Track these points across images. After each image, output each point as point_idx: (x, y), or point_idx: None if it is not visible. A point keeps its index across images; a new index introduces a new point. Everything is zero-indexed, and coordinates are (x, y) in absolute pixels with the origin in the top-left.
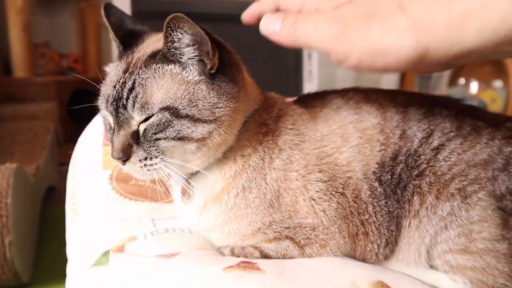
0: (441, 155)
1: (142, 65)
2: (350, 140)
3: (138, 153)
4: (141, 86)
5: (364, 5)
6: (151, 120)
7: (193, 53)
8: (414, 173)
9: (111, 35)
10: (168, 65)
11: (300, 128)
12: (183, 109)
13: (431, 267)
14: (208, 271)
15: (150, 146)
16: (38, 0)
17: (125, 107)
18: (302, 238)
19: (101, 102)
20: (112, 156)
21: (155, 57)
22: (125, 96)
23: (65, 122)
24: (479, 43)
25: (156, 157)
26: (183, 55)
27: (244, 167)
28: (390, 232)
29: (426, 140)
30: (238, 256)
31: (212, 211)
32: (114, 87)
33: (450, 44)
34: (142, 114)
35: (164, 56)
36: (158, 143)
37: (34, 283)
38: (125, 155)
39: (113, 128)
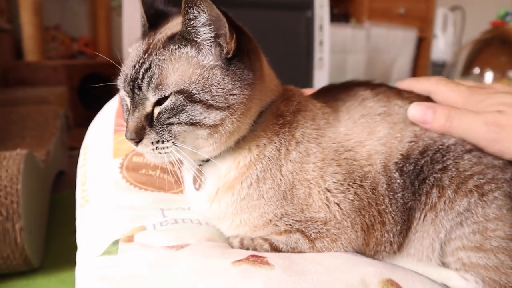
0: (467, 156)
1: (161, 46)
2: (376, 131)
3: (151, 136)
4: (157, 67)
5: None
6: (165, 104)
7: (209, 33)
8: (438, 167)
9: (141, 10)
10: (184, 47)
11: (320, 123)
12: (197, 94)
13: (443, 264)
14: (217, 265)
15: (163, 129)
16: None
17: (140, 88)
18: (313, 232)
19: (119, 82)
20: (125, 136)
21: (174, 38)
22: (140, 76)
23: (76, 106)
24: None
25: (168, 140)
26: (199, 34)
27: (259, 157)
28: (403, 221)
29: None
30: (247, 248)
31: (223, 199)
32: (134, 67)
33: None
34: (155, 95)
35: (182, 35)
36: (171, 127)
37: (44, 268)
38: (138, 137)
39: (129, 109)
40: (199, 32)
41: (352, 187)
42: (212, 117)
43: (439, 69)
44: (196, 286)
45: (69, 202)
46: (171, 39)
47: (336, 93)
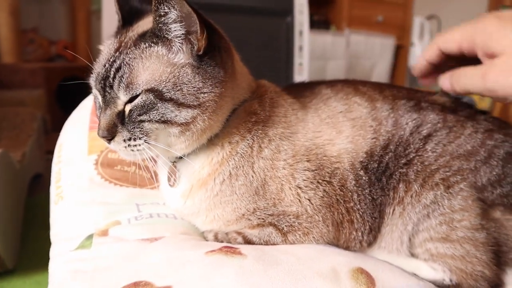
0: (429, 146)
1: (132, 45)
2: (342, 131)
3: (123, 133)
4: (127, 66)
5: None
6: (135, 102)
7: (180, 30)
8: (402, 161)
9: (115, 7)
10: (155, 45)
11: (291, 120)
12: (167, 92)
13: (412, 255)
14: (190, 255)
15: (135, 127)
16: None
17: (111, 87)
18: (285, 226)
19: (91, 80)
20: (98, 134)
21: (145, 36)
22: (111, 75)
23: (54, 110)
24: None
25: (139, 138)
26: (170, 31)
27: (232, 154)
28: (373, 219)
29: (416, 129)
30: (222, 241)
31: (197, 196)
32: (104, 65)
33: None
34: (126, 94)
35: (153, 32)
36: (142, 125)
37: (19, 269)
38: (110, 134)
39: (101, 106)
40: (170, 29)
41: (321, 185)
42: (183, 115)
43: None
44: (169, 276)
45: (45, 205)
46: (142, 37)
47: (302, 90)
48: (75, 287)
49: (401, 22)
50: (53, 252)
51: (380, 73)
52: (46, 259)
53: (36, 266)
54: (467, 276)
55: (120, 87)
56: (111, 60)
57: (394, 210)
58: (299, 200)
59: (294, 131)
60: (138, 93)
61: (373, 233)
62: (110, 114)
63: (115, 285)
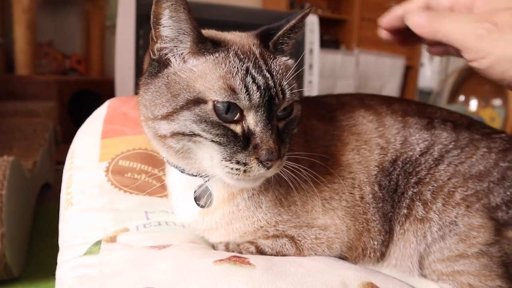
0: (442, 166)
1: (267, 56)
2: (347, 142)
3: (283, 151)
4: (282, 75)
5: None
6: (295, 113)
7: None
8: (412, 180)
9: (196, 28)
10: (288, 58)
11: (301, 129)
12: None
13: (423, 274)
14: (198, 263)
15: (288, 141)
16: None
17: (283, 95)
18: (308, 237)
19: (228, 96)
20: (266, 158)
21: (269, 49)
22: (278, 83)
23: (65, 122)
24: None
25: (286, 153)
26: (290, 44)
27: None
28: (385, 232)
29: (427, 150)
30: (232, 251)
31: (219, 211)
32: (255, 77)
33: None
34: (290, 100)
35: (282, 46)
36: (291, 138)
37: (25, 278)
38: (280, 154)
39: (246, 130)
40: (291, 43)
41: (344, 194)
42: None
43: (425, 97)
44: (177, 283)
45: (53, 214)
46: (266, 49)
47: (308, 104)
48: None
49: None
50: (61, 257)
51: (390, 93)
52: (52, 267)
53: (41, 276)
54: None
55: (293, 94)
56: (255, 70)
57: (406, 229)
58: (326, 212)
59: (306, 139)
60: (296, 99)
61: (385, 244)
62: (274, 133)
63: None
